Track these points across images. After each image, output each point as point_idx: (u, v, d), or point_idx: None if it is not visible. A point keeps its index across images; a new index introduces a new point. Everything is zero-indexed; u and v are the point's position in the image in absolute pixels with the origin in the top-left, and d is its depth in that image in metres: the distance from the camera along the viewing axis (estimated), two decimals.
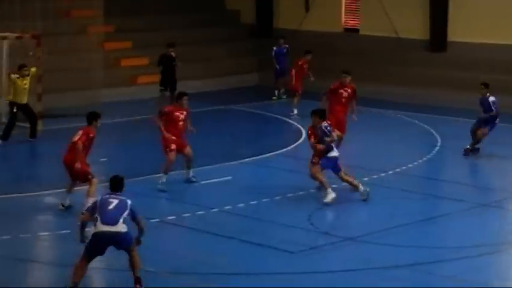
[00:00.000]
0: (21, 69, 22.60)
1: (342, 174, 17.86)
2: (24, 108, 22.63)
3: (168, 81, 26.63)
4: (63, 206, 16.74)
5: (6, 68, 23.81)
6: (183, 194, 18.10)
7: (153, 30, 30.93)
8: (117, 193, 13.16)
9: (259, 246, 15.15)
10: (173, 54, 26.68)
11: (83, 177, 16.57)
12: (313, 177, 17.59)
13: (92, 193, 16.19)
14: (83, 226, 13.17)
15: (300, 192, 18.29)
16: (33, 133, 22.70)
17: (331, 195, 17.38)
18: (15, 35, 24.54)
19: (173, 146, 18.13)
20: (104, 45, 28.58)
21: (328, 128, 17.63)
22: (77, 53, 27.75)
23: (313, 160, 17.60)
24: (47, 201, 17.58)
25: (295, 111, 26.50)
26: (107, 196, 13.09)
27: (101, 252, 13.04)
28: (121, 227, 12.82)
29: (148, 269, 13.53)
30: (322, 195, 17.54)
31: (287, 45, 29.56)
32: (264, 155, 21.56)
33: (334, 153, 17.71)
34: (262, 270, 14.23)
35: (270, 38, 32.86)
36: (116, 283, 13.46)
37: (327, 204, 17.29)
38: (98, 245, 12.91)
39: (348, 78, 21.05)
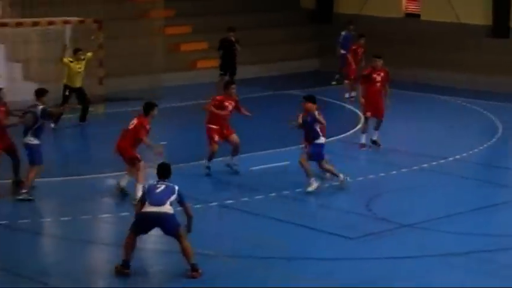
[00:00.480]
0: (76, 53, 22.85)
1: (323, 162, 17.67)
2: (78, 92, 22.85)
3: (228, 65, 26.73)
4: (119, 187, 16.89)
5: (70, 52, 24.08)
6: (242, 179, 18.12)
7: (212, 15, 31.02)
8: (165, 180, 13.37)
9: (317, 231, 15.20)
10: (233, 38, 26.75)
11: (131, 162, 16.61)
12: (300, 164, 17.45)
13: (141, 178, 16.27)
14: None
15: (359, 178, 18.27)
16: (83, 117, 22.88)
17: (315, 185, 17.21)
18: (78, 19, 24.84)
19: (216, 138, 18.15)
20: (165, 30, 28.75)
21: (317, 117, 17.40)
22: (138, 37, 28.00)
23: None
24: (107, 183, 17.77)
25: (352, 94, 26.49)
26: (155, 182, 13.34)
27: (146, 231, 13.31)
28: (167, 209, 13.03)
29: (207, 252, 13.67)
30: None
31: (354, 32, 29.36)
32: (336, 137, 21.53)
33: (321, 140, 17.51)
34: (320, 255, 14.25)
35: (330, 24, 32.80)
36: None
37: (310, 193, 17.14)
38: (143, 224, 13.19)
39: (380, 62, 21.00)
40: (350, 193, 17.47)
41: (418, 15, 32.42)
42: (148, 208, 13.05)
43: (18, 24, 24.34)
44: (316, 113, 17.40)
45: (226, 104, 18.35)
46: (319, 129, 17.46)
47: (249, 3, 32.66)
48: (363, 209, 16.36)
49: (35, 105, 16.71)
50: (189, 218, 13.38)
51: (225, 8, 31.88)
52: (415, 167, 19.12)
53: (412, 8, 32.75)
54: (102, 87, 24.86)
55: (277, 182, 17.93)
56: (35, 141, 16.59)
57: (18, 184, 16.98)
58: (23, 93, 23.13)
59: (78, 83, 22.74)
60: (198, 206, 16.19)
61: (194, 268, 13.02)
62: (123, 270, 13.07)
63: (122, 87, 25.84)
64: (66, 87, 22.75)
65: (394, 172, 17.98)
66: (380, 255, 14.16)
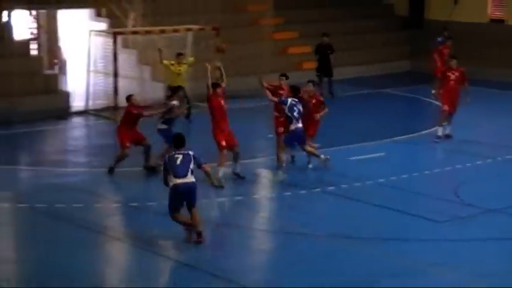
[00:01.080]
0: (178, 56, 22.88)
1: (306, 146, 17.46)
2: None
3: (323, 68, 26.66)
4: (234, 174, 17.10)
5: (191, 55, 24.41)
6: (342, 168, 18.08)
7: (316, 22, 31.04)
8: (181, 149, 13.55)
9: (409, 215, 15.13)
10: (328, 43, 26.66)
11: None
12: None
13: (221, 163, 16.56)
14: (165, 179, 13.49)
15: (447, 168, 18.10)
16: (188, 115, 22.55)
17: (282, 177, 17.02)
18: (198, 26, 25.19)
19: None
20: (274, 35, 28.89)
21: (292, 102, 17.20)
22: (250, 42, 28.25)
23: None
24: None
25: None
26: (173, 153, 13.52)
27: (181, 203, 13.37)
28: (192, 179, 13.28)
29: (307, 232, 13.78)
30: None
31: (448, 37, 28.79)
32: (415, 134, 21.35)
33: (298, 124, 17.14)
34: (410, 236, 14.21)
35: (421, 29, 32.48)
36: None
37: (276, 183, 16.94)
38: (176, 196, 13.31)
39: (454, 62, 20.88)
40: (439, 181, 17.32)
41: (503, 21, 31.79)
42: (177, 180, 13.21)
43: (148, 32, 24.82)
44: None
45: (281, 92, 18.02)
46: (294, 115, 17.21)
47: (350, 12, 32.57)
48: (451, 195, 16.19)
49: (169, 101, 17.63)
50: (208, 174, 13.99)
51: (329, 15, 31.87)
52: (499, 158, 18.82)
53: (497, 13, 32.12)
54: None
55: (374, 170, 17.89)
56: (164, 126, 17.38)
57: (149, 169, 17.38)
58: (151, 92, 23.69)
59: (178, 83, 21.81)
60: (303, 191, 16.34)
61: (200, 234, 13.33)
62: (195, 239, 13.39)
63: (235, 86, 26.05)
64: (169, 87, 22.67)
65: (479, 162, 17.72)
66: (465, 238, 14.02)
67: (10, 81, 22.90)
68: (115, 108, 22.76)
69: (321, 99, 18.65)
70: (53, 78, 25.38)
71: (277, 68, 27.33)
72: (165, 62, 22.68)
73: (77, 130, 22.32)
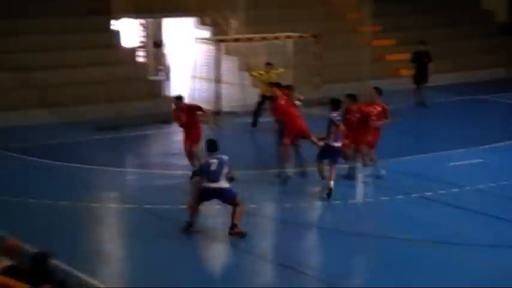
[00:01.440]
0: (267, 66, 22.65)
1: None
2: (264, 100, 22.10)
3: (419, 75, 26.24)
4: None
5: (294, 62, 24.39)
6: (439, 174, 17.79)
7: (414, 30, 30.69)
8: (215, 153, 13.95)
9: (508, 222, 14.78)
10: (425, 50, 26.24)
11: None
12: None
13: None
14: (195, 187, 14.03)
15: None
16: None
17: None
18: (298, 34, 25.24)
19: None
20: (372, 42, 28.70)
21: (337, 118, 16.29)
22: (349, 49, 28.13)
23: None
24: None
25: None
26: (208, 159, 13.92)
27: (208, 200, 14.06)
28: (224, 184, 13.76)
29: (409, 237, 13.62)
30: None
31: None
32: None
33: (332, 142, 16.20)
34: (507, 243, 13.89)
35: None
36: None
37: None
38: (206, 197, 13.96)
39: None
40: None
41: None
42: (209, 184, 13.76)
43: (249, 40, 25.02)
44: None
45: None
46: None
47: (447, 19, 32.06)
48: None
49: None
50: (231, 179, 14.00)
51: (425, 23, 31.46)
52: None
53: None
54: (318, 92, 25.12)
55: (472, 177, 17.55)
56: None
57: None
58: (252, 98, 23.85)
59: (267, 93, 21.48)
60: (399, 196, 16.16)
61: (235, 225, 13.74)
62: (189, 229, 13.97)
63: (335, 92, 25.95)
64: (261, 96, 22.62)
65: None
66: None
67: (118, 87, 23.42)
68: (217, 113, 23.01)
69: (386, 107, 17.74)
70: (158, 84, 25.87)
71: (376, 74, 27.30)
72: (253, 73, 22.85)
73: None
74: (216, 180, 13.80)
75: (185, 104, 17.91)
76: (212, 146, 14.16)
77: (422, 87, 25.90)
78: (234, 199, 13.90)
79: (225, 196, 13.94)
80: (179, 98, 17.73)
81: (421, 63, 26.21)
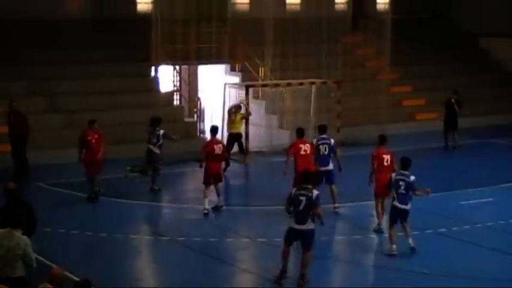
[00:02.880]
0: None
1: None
2: None
3: (449, 121, 25.93)
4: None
5: (314, 107, 24.44)
6: (453, 211, 17.65)
7: (430, 78, 30.70)
8: (307, 186, 12.74)
9: None
10: (453, 100, 25.90)
11: None
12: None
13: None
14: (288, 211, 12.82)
15: None
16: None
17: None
18: (321, 80, 25.30)
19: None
20: (390, 89, 28.68)
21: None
22: (368, 95, 28.12)
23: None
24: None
25: None
26: (297, 193, 12.65)
27: (292, 243, 12.85)
28: (308, 225, 12.59)
29: (424, 271, 13.46)
30: None
31: None
32: None
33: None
34: None
35: None
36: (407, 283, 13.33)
37: None
38: (291, 237, 12.79)
39: None
40: None
41: None
42: (294, 225, 12.64)
43: (276, 85, 25.11)
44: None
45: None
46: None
47: (460, 67, 31.98)
48: None
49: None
50: (318, 216, 12.67)
51: (440, 71, 31.42)
52: None
53: None
54: (339, 134, 25.09)
55: (483, 214, 17.36)
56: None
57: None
58: (278, 139, 23.86)
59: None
60: (415, 232, 15.96)
61: (303, 276, 12.74)
62: (280, 277, 12.81)
63: (355, 134, 25.97)
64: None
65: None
66: None
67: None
68: (246, 152, 23.02)
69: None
70: (193, 125, 25.98)
71: (393, 119, 27.24)
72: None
73: None
74: (302, 222, 12.57)
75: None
76: (306, 178, 12.94)
77: (452, 133, 25.53)
78: (310, 247, 12.76)
79: (307, 239, 12.67)
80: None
81: (451, 111, 25.84)
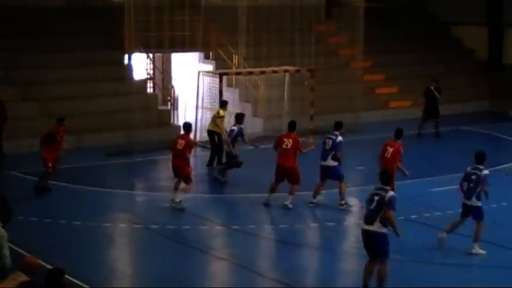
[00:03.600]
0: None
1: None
2: None
3: (429, 109, 26.03)
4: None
5: (288, 95, 24.49)
6: (424, 198, 17.85)
7: (403, 66, 30.89)
8: (384, 187, 11.92)
9: (489, 243, 14.67)
10: (432, 87, 26.13)
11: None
12: None
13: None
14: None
15: None
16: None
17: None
18: (295, 68, 25.37)
19: None
20: (363, 77, 28.84)
21: None
22: (341, 83, 28.25)
23: None
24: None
25: None
26: (373, 192, 11.95)
27: (367, 250, 11.86)
28: (376, 227, 11.69)
29: (397, 258, 13.62)
30: None
31: None
32: (492, 168, 20.72)
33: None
34: (492, 263, 13.88)
35: (499, 72, 31.87)
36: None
37: None
38: (363, 242, 12.00)
39: None
40: None
41: None
42: (363, 226, 11.88)
43: (250, 73, 25.14)
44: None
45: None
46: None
47: (434, 56, 32.18)
48: None
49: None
50: (388, 219, 11.70)
51: (414, 59, 31.63)
52: None
53: None
54: (312, 122, 25.20)
55: (454, 201, 17.41)
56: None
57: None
58: (252, 127, 23.90)
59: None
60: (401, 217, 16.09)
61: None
62: None
63: (328, 122, 26.00)
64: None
65: None
66: None
67: (129, 116, 23.49)
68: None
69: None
70: (166, 113, 25.95)
71: (367, 107, 27.41)
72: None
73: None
74: (368, 222, 11.76)
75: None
76: (383, 178, 11.97)
77: (434, 121, 25.70)
78: (384, 251, 11.76)
79: (376, 242, 11.72)
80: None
81: (431, 99, 26.02)
